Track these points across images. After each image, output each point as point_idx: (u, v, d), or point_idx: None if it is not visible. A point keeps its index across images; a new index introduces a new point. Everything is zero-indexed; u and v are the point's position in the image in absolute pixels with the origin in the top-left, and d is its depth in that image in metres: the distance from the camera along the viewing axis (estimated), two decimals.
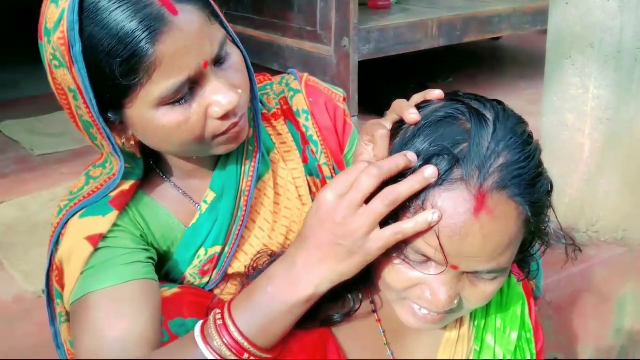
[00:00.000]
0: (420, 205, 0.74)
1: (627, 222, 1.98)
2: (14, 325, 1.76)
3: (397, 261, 0.79)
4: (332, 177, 1.14)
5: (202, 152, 0.99)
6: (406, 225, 0.74)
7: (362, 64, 2.80)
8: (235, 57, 0.96)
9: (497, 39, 4.63)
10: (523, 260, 0.92)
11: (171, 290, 1.03)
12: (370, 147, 0.84)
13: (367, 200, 0.75)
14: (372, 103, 3.01)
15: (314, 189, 1.14)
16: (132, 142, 0.98)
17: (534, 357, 1.01)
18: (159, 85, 0.87)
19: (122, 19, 0.83)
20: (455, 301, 0.80)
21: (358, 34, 2.66)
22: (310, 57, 2.87)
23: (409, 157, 0.75)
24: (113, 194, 0.99)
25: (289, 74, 1.20)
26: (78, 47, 0.84)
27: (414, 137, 0.78)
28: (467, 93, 0.83)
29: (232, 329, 0.80)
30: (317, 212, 0.78)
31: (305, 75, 1.19)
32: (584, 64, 1.83)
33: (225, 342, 0.80)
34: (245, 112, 0.98)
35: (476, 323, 0.96)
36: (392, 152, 0.79)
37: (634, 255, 2.04)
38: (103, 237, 0.97)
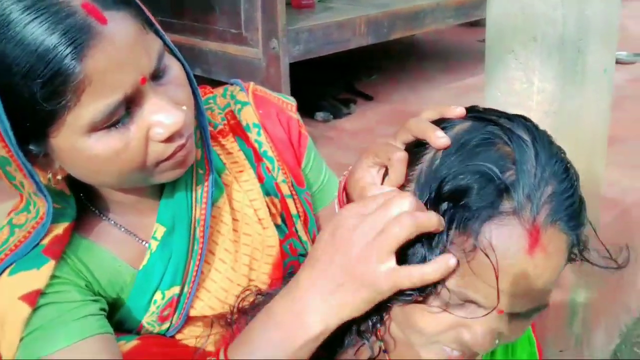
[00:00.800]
0: (473, 244, 0.65)
1: None
2: None
3: (436, 310, 0.70)
4: (291, 194, 1.03)
5: (144, 182, 0.86)
6: (425, 270, 0.66)
7: (289, 66, 2.71)
8: (175, 69, 0.84)
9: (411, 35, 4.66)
10: None
11: (130, 344, 0.90)
12: (376, 171, 0.74)
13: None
14: (302, 104, 2.93)
15: (273, 210, 1.02)
16: (59, 177, 0.84)
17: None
18: (90, 107, 0.73)
19: (40, 33, 0.70)
20: (497, 341, 0.72)
21: (287, 35, 2.56)
22: (236, 60, 2.74)
23: (442, 222, 0.67)
24: (46, 241, 0.84)
25: (232, 84, 1.08)
26: None
27: (444, 163, 0.69)
28: (486, 108, 0.75)
29: None
30: (333, 233, 0.69)
31: (251, 84, 1.08)
32: (527, 57, 1.80)
33: None
34: (191, 132, 0.86)
35: None
36: (418, 180, 0.71)
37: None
38: (41, 293, 0.83)
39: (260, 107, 1.05)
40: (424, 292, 0.69)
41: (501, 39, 1.85)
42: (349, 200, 0.85)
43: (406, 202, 0.66)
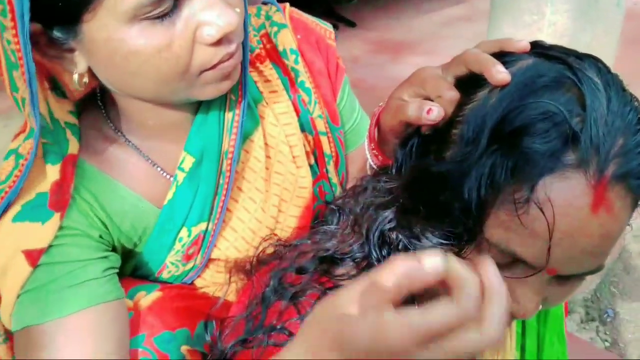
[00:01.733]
0: (527, 197, 0.56)
1: None
2: None
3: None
4: (325, 132, 0.93)
5: (182, 95, 0.75)
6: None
7: None
8: None
9: None
10: None
11: (151, 296, 0.81)
12: (416, 104, 0.64)
13: None
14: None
15: (307, 148, 0.92)
16: (86, 80, 0.73)
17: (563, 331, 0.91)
18: None
19: None
20: (540, 307, 0.65)
21: None
22: None
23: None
24: (45, 188, 0.73)
25: (266, 3, 0.95)
26: None
27: (502, 100, 0.59)
28: (553, 45, 0.65)
29: None
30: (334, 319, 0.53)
31: (287, 5, 0.95)
32: None
33: None
34: (240, 43, 0.75)
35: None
36: (467, 121, 0.61)
37: None
38: (45, 250, 0.73)
39: (298, 31, 0.93)
40: (456, 239, 0.61)
41: None
42: (380, 136, 0.75)
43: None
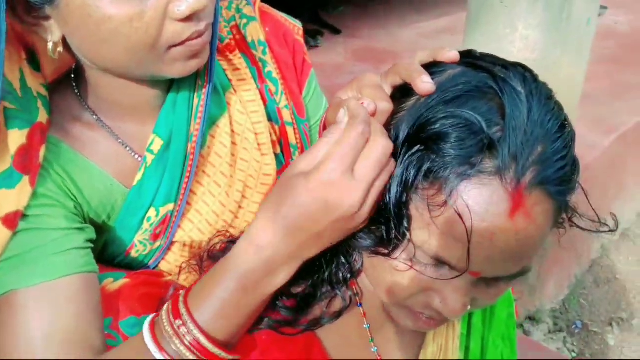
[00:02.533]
0: (445, 200, 0.59)
1: None
2: None
3: (403, 266, 0.64)
4: (292, 122, 0.96)
5: (151, 70, 0.78)
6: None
7: None
8: None
9: None
10: None
11: (118, 282, 0.83)
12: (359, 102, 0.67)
13: None
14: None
15: (273, 137, 0.95)
16: (60, 49, 0.77)
17: (515, 333, 0.93)
18: None
19: None
20: (469, 307, 0.67)
21: None
22: None
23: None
24: (12, 152, 0.75)
25: None
26: None
27: (430, 112, 0.61)
28: (484, 54, 0.67)
29: (192, 329, 0.65)
30: (280, 190, 0.63)
31: (258, 0, 0.99)
32: (513, 2, 1.74)
33: (188, 344, 0.65)
34: (210, 24, 0.79)
35: None
36: (397, 126, 0.64)
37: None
38: (22, 214, 0.75)
39: (266, 24, 0.97)
40: (385, 241, 0.63)
41: None
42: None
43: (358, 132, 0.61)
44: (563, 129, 0.62)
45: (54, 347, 0.74)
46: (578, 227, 0.72)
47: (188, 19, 0.74)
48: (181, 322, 0.65)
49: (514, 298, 0.95)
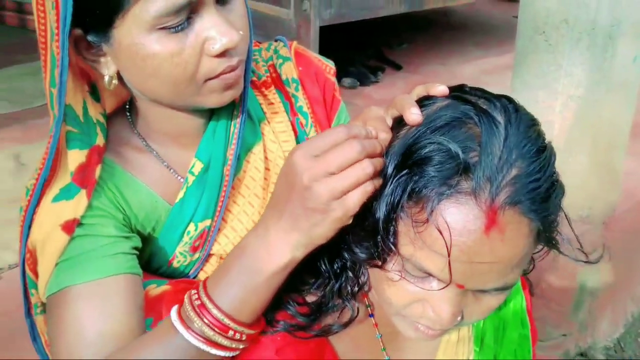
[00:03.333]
0: (427, 218, 0.66)
1: (592, 201, 2.00)
2: None
3: (395, 277, 0.72)
4: None
5: (192, 100, 0.89)
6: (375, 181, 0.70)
7: (321, 29, 2.71)
8: (239, 2, 0.88)
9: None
10: None
11: (160, 288, 0.94)
12: None
13: None
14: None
15: None
16: (115, 82, 0.89)
17: (530, 355, 0.98)
18: (156, 2, 0.79)
19: None
20: (459, 318, 0.74)
21: None
22: (268, 19, 2.76)
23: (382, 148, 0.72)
24: (73, 169, 0.88)
25: (277, 40, 1.11)
26: None
27: (416, 140, 0.70)
28: (473, 88, 0.75)
29: (210, 306, 0.75)
30: (287, 174, 0.72)
31: (295, 42, 1.11)
32: (557, 40, 1.79)
33: (206, 321, 0.75)
34: (243, 60, 0.90)
35: (475, 324, 0.92)
36: (391, 153, 0.72)
37: (598, 232, 2.07)
38: (78, 223, 0.87)
39: (300, 64, 1.08)
40: (378, 254, 0.71)
41: (533, 19, 1.84)
42: None
43: (356, 147, 0.68)
44: (539, 154, 0.67)
45: (106, 340, 0.84)
46: (560, 252, 0.78)
47: (222, 55, 0.84)
48: (200, 302, 0.76)
49: (526, 319, 1.00)
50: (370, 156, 0.69)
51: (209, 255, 1.02)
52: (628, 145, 2.02)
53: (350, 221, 0.71)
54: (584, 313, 2.17)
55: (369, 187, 0.69)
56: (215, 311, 0.74)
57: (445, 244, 0.65)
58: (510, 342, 0.95)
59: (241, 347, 0.78)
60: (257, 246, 0.74)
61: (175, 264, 1.00)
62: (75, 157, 0.89)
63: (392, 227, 0.69)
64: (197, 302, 0.76)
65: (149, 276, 0.97)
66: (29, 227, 0.89)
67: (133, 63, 0.84)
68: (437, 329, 0.75)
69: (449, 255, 0.66)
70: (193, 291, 0.78)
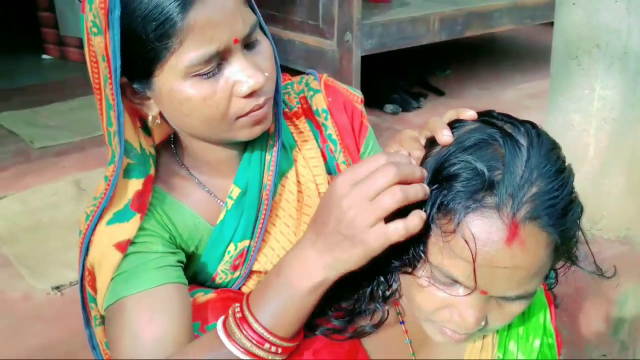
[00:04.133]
0: (454, 228, 0.74)
1: (630, 222, 2.03)
2: (25, 323, 1.77)
3: (425, 283, 0.80)
4: None
5: (225, 135, 0.99)
6: (410, 223, 0.74)
7: (363, 57, 2.81)
8: (264, 44, 0.98)
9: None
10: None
11: (207, 296, 1.04)
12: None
13: None
14: (373, 95, 3.03)
15: None
16: (158, 121, 1.00)
17: None
18: (189, 53, 0.89)
19: None
20: (482, 323, 0.81)
21: (361, 29, 2.67)
22: (312, 51, 2.87)
23: (424, 172, 0.77)
24: (130, 196, 1.00)
25: (308, 74, 1.22)
26: (117, 12, 0.87)
27: (447, 159, 0.78)
28: (500, 113, 0.83)
29: (250, 319, 0.83)
30: (328, 198, 0.79)
31: (325, 75, 1.21)
32: (590, 64, 1.85)
33: (245, 334, 0.82)
34: (270, 98, 0.99)
35: (499, 331, 0.99)
36: (425, 167, 0.80)
37: (636, 253, 2.08)
38: (131, 242, 0.98)
39: (329, 95, 1.17)
40: (409, 261, 0.78)
41: (567, 45, 1.91)
42: None
43: (391, 172, 0.74)
44: (558, 174, 0.75)
45: (160, 343, 0.93)
46: (577, 265, 0.85)
47: (249, 95, 0.94)
48: (241, 315, 0.83)
49: (551, 329, 1.05)
50: (408, 181, 0.75)
51: (251, 272, 1.11)
52: None
53: (381, 252, 0.76)
54: (625, 334, 2.17)
55: (401, 224, 0.74)
56: (255, 325, 0.82)
57: (471, 252, 0.72)
58: (533, 350, 1.01)
59: (278, 359, 0.84)
60: (294, 265, 0.82)
61: (217, 280, 1.10)
62: (134, 186, 1.00)
63: (422, 237, 0.77)
64: (239, 315, 0.84)
65: (196, 287, 1.07)
66: (87, 248, 0.99)
67: (172, 105, 0.95)
68: (462, 333, 0.82)
69: (474, 263, 0.73)
70: (237, 305, 0.86)
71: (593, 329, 2.07)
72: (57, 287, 1.88)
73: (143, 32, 0.88)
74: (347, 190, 0.76)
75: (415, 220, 0.74)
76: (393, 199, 0.73)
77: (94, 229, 0.99)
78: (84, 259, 1.01)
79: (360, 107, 1.19)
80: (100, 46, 0.91)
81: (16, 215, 2.31)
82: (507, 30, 4.37)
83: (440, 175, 0.77)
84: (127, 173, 1.00)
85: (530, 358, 1.00)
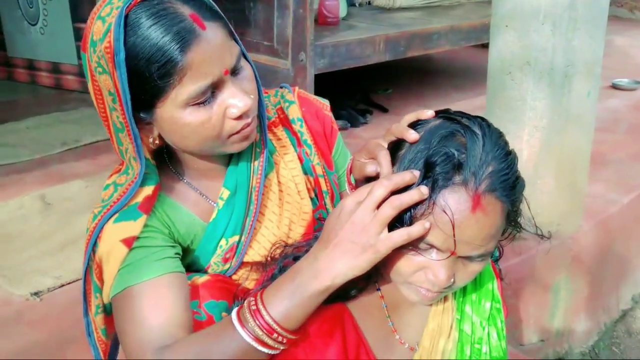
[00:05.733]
0: (433, 201, 0.90)
1: (561, 218, 2.24)
2: (6, 327, 1.84)
3: (410, 252, 0.96)
4: (323, 175, 1.31)
5: (218, 150, 1.11)
6: (412, 230, 0.90)
7: (316, 76, 2.99)
8: (247, 70, 1.11)
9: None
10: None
11: (202, 278, 1.18)
12: (370, 163, 0.99)
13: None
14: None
15: (308, 185, 1.29)
16: (157, 142, 1.12)
17: (504, 323, 1.21)
18: (188, 87, 1.00)
19: (161, 32, 0.98)
20: (452, 280, 0.97)
21: (314, 49, 2.85)
22: (267, 69, 3.02)
23: (415, 174, 0.92)
24: (140, 200, 1.11)
25: (282, 87, 1.37)
26: (122, 55, 0.98)
27: (419, 151, 0.94)
28: (456, 111, 1.01)
29: (263, 312, 0.96)
30: (338, 216, 0.94)
31: (297, 88, 1.36)
32: (521, 79, 2.07)
33: (258, 323, 0.95)
34: (255, 115, 1.12)
35: (456, 297, 1.16)
36: (401, 164, 0.96)
37: (566, 246, 2.32)
38: (136, 238, 1.09)
39: (303, 105, 1.31)
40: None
41: (501, 62, 2.13)
42: (355, 181, 1.12)
43: (382, 188, 0.90)
44: (507, 156, 0.94)
45: (164, 326, 1.03)
46: (522, 228, 1.05)
47: (239, 117, 1.06)
48: (255, 307, 0.96)
49: (498, 295, 1.23)
50: (401, 186, 0.90)
51: (242, 263, 1.25)
52: (597, 172, 2.26)
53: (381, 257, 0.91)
54: (560, 320, 2.40)
55: (405, 232, 0.90)
56: (267, 317, 0.95)
57: (449, 217, 0.89)
58: (485, 311, 1.17)
59: (281, 348, 0.97)
60: (307, 270, 0.95)
61: (210, 271, 1.23)
62: (146, 191, 1.12)
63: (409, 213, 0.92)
64: (254, 307, 0.96)
65: (193, 272, 1.20)
66: (94, 244, 1.11)
67: (172, 130, 1.07)
68: (435, 291, 0.98)
69: (453, 228, 0.89)
70: (252, 298, 0.98)
71: (532, 314, 2.29)
72: (36, 293, 1.95)
73: (147, 72, 0.99)
74: (355, 207, 0.92)
75: (417, 228, 0.90)
76: (392, 207, 0.90)
77: (101, 228, 1.10)
78: (90, 253, 1.12)
79: (329, 113, 1.36)
80: (107, 83, 1.01)
81: None
82: (444, 52, 4.65)
83: (422, 163, 0.93)
84: (143, 181, 1.12)
85: (482, 318, 1.17)
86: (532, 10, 1.99)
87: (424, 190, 0.91)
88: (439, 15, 3.82)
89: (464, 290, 1.17)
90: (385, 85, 4.34)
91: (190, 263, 1.23)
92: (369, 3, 4.16)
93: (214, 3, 1.08)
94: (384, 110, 3.87)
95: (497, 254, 1.24)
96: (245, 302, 1.00)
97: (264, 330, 0.95)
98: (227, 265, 1.23)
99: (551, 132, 2.11)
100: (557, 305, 2.37)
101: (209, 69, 1.01)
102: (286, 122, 1.31)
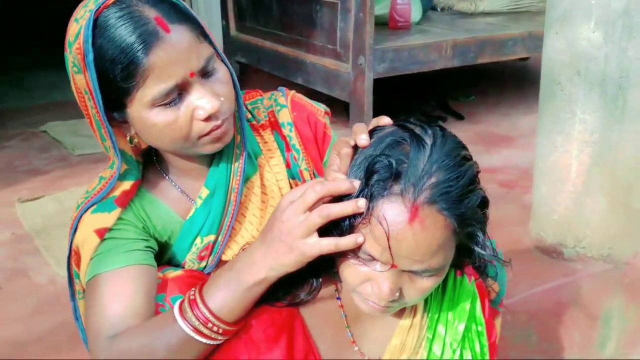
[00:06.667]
0: (370, 213, 0.87)
1: (613, 241, 2.09)
2: (48, 304, 2.00)
3: (352, 261, 0.94)
4: (310, 180, 1.30)
5: (191, 151, 1.13)
6: (341, 242, 0.89)
7: (380, 80, 2.96)
8: (221, 72, 1.12)
9: (525, 59, 4.74)
10: (477, 265, 1.07)
11: (175, 273, 1.21)
12: (334, 160, 1.00)
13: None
14: (389, 117, 3.15)
15: None
16: (136, 140, 1.15)
17: (484, 348, 1.14)
18: (152, 88, 1.03)
19: (125, 34, 1.01)
20: (397, 294, 0.93)
21: (373, 53, 2.83)
22: (330, 73, 3.04)
23: (354, 184, 0.90)
24: (117, 194, 1.16)
25: (278, 91, 1.37)
26: (90, 56, 1.01)
27: (365, 156, 0.93)
28: (420, 120, 0.97)
29: (199, 302, 0.98)
30: (274, 212, 0.95)
31: (292, 92, 1.36)
32: (571, 90, 1.95)
33: (195, 314, 0.98)
34: (228, 118, 1.12)
35: (430, 315, 1.11)
36: (351, 168, 0.95)
37: (620, 272, 2.15)
38: (108, 229, 1.13)
39: (295, 110, 1.31)
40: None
41: (551, 71, 2.02)
42: None
43: (313, 193, 0.90)
44: (457, 167, 0.88)
45: (121, 316, 1.06)
46: (477, 250, 0.98)
47: (208, 118, 1.07)
48: (193, 298, 0.99)
49: (481, 317, 1.17)
50: (335, 194, 0.90)
51: (220, 262, 1.27)
52: None
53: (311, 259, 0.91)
54: (610, 352, 2.23)
55: (333, 242, 0.89)
56: (202, 307, 0.97)
57: (385, 230, 0.86)
58: (457, 333, 1.11)
59: (220, 338, 0.99)
60: (243, 262, 0.97)
61: (187, 267, 1.25)
62: (124, 186, 1.17)
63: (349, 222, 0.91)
64: (192, 297, 0.99)
65: (168, 266, 1.23)
66: (74, 232, 1.16)
67: (143, 129, 1.11)
68: (382, 304, 0.95)
69: (388, 240, 0.86)
70: (192, 289, 1.00)
71: (576, 344, 2.14)
72: None
73: (112, 73, 1.02)
74: (287, 206, 0.93)
75: (347, 241, 0.89)
76: (320, 216, 0.89)
77: (81, 217, 1.15)
78: (71, 241, 1.17)
79: (324, 119, 1.34)
80: (81, 83, 1.06)
81: (51, 213, 2.56)
82: (534, 59, 4.45)
83: (364, 170, 0.92)
84: (123, 176, 1.17)
85: (454, 340, 1.11)
86: (582, 17, 1.87)
87: (360, 203, 0.88)
88: (521, 21, 3.66)
89: (439, 308, 1.13)
90: (468, 92, 4.22)
91: (170, 258, 1.27)
92: (451, 8, 4.06)
93: (185, 5, 1.11)
94: (460, 117, 3.76)
95: (492, 272, 1.17)
96: (187, 292, 1.02)
97: (200, 320, 0.97)
98: (203, 263, 1.26)
99: (603, 147, 1.97)
100: (608, 335, 2.20)
101: (172, 71, 1.04)
102: (276, 126, 1.32)
